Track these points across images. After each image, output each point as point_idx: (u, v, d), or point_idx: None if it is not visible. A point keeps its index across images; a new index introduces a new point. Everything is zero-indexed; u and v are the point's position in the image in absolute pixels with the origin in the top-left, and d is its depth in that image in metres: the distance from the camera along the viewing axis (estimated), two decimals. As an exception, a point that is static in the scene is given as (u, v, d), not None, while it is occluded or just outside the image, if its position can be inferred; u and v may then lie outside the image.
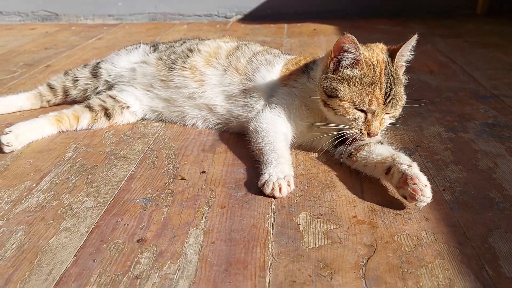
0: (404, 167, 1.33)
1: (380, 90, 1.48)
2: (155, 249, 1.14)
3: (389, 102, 1.50)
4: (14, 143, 1.66)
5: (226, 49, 1.88)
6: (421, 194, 1.26)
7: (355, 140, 1.53)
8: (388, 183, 1.42)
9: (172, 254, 1.13)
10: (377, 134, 1.52)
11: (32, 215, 1.28)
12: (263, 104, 1.71)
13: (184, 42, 2.03)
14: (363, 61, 1.48)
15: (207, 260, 1.10)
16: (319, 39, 3.48)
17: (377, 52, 1.54)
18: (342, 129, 1.53)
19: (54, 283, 1.03)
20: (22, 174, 1.51)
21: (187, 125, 1.88)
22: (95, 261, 1.10)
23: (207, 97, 1.80)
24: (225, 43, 1.96)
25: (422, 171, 1.50)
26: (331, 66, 1.53)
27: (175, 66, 1.85)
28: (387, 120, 1.56)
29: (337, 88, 1.50)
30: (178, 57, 1.88)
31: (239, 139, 1.74)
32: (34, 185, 1.45)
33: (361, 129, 1.51)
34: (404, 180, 1.30)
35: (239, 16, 4.34)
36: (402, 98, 1.57)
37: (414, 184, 1.27)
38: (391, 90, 1.50)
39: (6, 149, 1.65)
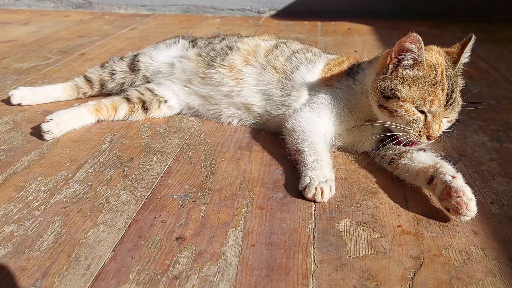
0: (448, 178, 1.27)
1: (442, 91, 1.42)
2: (194, 248, 1.11)
3: (450, 104, 1.44)
4: (55, 131, 1.66)
5: (265, 48, 1.84)
6: (466, 208, 1.20)
7: (406, 144, 1.48)
8: (431, 193, 1.36)
9: (211, 255, 1.09)
10: (436, 138, 1.46)
11: (69, 206, 1.27)
12: (302, 103, 1.66)
13: (223, 39, 1.99)
14: (425, 61, 1.42)
15: (248, 264, 1.07)
16: (354, 38, 3.40)
17: (435, 54, 1.48)
18: (395, 132, 1.48)
19: (93, 278, 1.01)
20: (59, 163, 1.50)
21: (222, 122, 1.85)
22: (134, 257, 1.08)
23: (244, 96, 1.76)
24: (264, 41, 1.92)
25: (467, 182, 1.45)
26: (391, 66, 1.47)
27: (214, 64, 1.82)
28: (445, 124, 1.50)
29: (396, 89, 1.44)
30: (217, 55, 1.85)
31: (275, 138, 1.70)
32: (70, 175, 1.43)
33: (420, 132, 1.43)
34: (447, 192, 1.24)
35: (272, 12, 4.29)
36: (460, 103, 1.50)
37: (459, 197, 1.21)
38: (452, 92, 1.44)
39: (47, 136, 1.65)
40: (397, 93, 1.44)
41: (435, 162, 1.37)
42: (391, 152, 1.50)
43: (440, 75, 1.43)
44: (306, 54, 1.81)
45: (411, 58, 1.43)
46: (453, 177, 1.28)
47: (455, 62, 1.48)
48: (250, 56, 1.82)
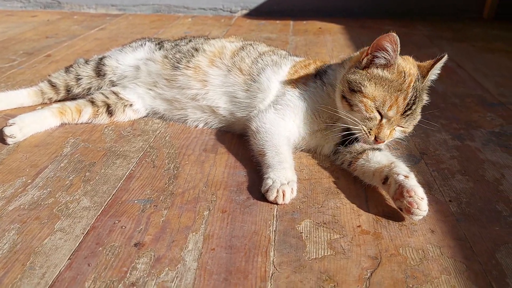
0: (401, 178, 1.30)
1: (404, 99, 1.45)
2: (153, 254, 1.11)
3: (407, 114, 1.48)
4: (18, 135, 1.62)
5: (231, 49, 1.84)
6: (417, 208, 1.23)
7: (355, 142, 1.52)
8: (386, 193, 1.38)
9: (170, 260, 1.09)
10: (383, 142, 1.49)
11: (26, 213, 1.24)
12: (267, 104, 1.66)
13: (189, 41, 1.98)
14: (396, 65, 1.45)
15: (206, 268, 1.07)
16: (324, 38, 3.43)
17: (409, 64, 1.51)
18: (350, 127, 1.51)
19: (47, 287, 0.99)
20: (18, 169, 1.47)
21: (189, 125, 1.84)
22: (90, 265, 1.06)
23: (210, 99, 1.75)
24: (230, 43, 1.91)
25: (428, 180, 1.48)
26: (364, 61, 1.50)
27: (180, 65, 1.81)
28: (397, 133, 1.53)
29: (363, 84, 1.47)
30: (183, 56, 1.84)
31: (241, 139, 1.69)
32: (29, 181, 1.40)
33: (371, 130, 1.48)
34: (400, 192, 1.27)
35: (244, 11, 4.28)
36: (418, 117, 1.55)
37: (410, 197, 1.24)
38: (413, 103, 1.48)
39: (10, 140, 1.62)
40: (362, 88, 1.47)
41: (390, 161, 1.40)
42: (347, 156, 1.52)
43: (407, 83, 1.46)
44: (272, 56, 1.81)
45: (384, 57, 1.45)
46: (406, 177, 1.30)
47: (424, 76, 1.51)
48: (216, 58, 1.81)
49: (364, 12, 4.23)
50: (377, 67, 1.47)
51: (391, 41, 1.42)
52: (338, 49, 3.08)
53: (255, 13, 4.26)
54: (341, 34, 3.57)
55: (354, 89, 1.49)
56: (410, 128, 1.54)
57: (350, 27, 3.79)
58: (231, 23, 3.94)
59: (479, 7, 4.28)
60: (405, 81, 1.45)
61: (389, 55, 1.44)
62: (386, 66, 1.46)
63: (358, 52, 1.62)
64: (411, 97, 1.46)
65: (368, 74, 1.48)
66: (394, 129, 1.50)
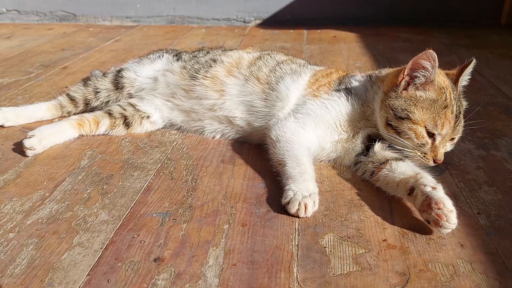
0: (428, 189, 1.25)
1: (452, 113, 1.44)
2: (173, 269, 1.07)
3: (457, 125, 1.47)
4: (37, 147, 1.62)
5: (248, 59, 1.82)
6: (446, 221, 1.18)
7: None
8: (412, 204, 1.34)
9: (191, 276, 1.06)
10: (442, 161, 1.47)
11: (44, 228, 1.22)
12: (286, 113, 1.64)
13: (207, 52, 1.97)
14: (436, 82, 1.43)
15: (228, 285, 1.03)
16: (339, 46, 3.39)
17: (441, 76, 1.49)
18: (401, 149, 1.48)
19: (66, 305, 0.97)
20: (36, 182, 1.46)
21: (206, 137, 1.82)
22: (110, 281, 1.03)
23: (227, 109, 1.73)
24: (247, 53, 1.90)
25: (454, 191, 1.44)
26: (403, 83, 1.47)
27: (198, 76, 1.79)
28: (448, 146, 1.53)
29: (410, 110, 1.45)
30: (201, 67, 1.82)
31: (259, 150, 1.66)
32: (47, 194, 1.39)
33: (426, 154, 1.46)
34: (428, 203, 1.22)
35: (258, 21, 4.27)
36: (463, 123, 1.54)
37: (439, 209, 1.19)
38: (459, 113, 1.47)
39: (29, 153, 1.61)
40: (410, 114, 1.45)
41: (416, 172, 1.36)
42: (369, 165, 1.48)
43: (449, 97, 1.44)
44: (291, 65, 1.79)
45: (423, 76, 1.44)
46: (434, 188, 1.26)
47: (454, 83, 1.50)
48: (233, 68, 1.79)
49: (378, 20, 4.19)
50: (417, 88, 1.46)
51: (429, 58, 1.40)
52: (354, 57, 3.05)
53: (269, 23, 4.25)
54: (356, 42, 3.54)
55: (401, 117, 1.46)
56: (459, 136, 1.54)
57: (365, 35, 3.75)
58: (245, 33, 3.93)
59: (496, 14, 4.21)
60: (446, 95, 1.44)
61: (428, 72, 1.43)
62: (426, 83, 1.44)
63: (391, 70, 1.59)
64: (456, 107, 1.45)
65: (412, 99, 1.45)
66: (445, 144, 1.49)
